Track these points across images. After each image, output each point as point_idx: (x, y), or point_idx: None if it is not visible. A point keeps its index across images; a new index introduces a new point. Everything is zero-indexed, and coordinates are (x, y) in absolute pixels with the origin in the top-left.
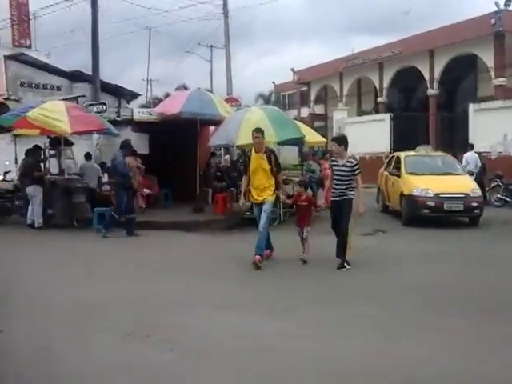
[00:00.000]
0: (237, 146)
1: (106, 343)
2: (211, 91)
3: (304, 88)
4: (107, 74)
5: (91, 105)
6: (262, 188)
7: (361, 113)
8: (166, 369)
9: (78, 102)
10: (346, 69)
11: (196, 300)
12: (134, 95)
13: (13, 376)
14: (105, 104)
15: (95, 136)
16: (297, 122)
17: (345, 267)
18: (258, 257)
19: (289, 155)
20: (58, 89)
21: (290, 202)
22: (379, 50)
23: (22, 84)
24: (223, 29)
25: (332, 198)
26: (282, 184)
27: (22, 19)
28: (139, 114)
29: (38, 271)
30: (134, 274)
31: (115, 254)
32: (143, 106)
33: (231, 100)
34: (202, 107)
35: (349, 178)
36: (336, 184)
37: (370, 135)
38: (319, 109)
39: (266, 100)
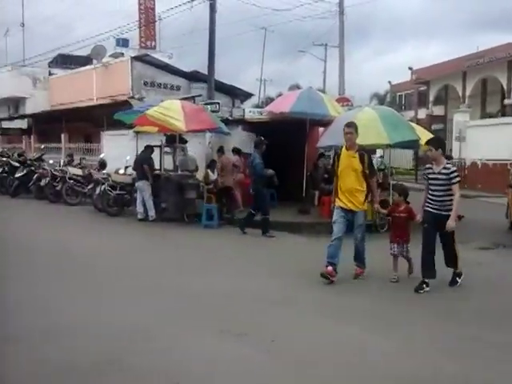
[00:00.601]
0: None
1: (200, 339)
2: (324, 91)
3: (422, 88)
4: (223, 74)
5: (205, 104)
6: (352, 192)
7: (485, 115)
8: (262, 369)
9: (194, 102)
10: (470, 68)
11: (293, 303)
12: (248, 95)
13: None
14: (218, 103)
15: (208, 134)
16: (412, 124)
17: (457, 282)
18: (330, 268)
19: (401, 159)
20: (178, 88)
21: (384, 211)
22: (508, 48)
23: (145, 83)
24: (338, 27)
25: (427, 208)
26: (375, 190)
27: (148, 22)
28: (250, 113)
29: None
30: (235, 269)
31: (222, 249)
32: (256, 106)
33: (343, 100)
34: (312, 107)
35: (446, 187)
36: (432, 195)
37: (494, 140)
38: (438, 110)
39: (381, 100)
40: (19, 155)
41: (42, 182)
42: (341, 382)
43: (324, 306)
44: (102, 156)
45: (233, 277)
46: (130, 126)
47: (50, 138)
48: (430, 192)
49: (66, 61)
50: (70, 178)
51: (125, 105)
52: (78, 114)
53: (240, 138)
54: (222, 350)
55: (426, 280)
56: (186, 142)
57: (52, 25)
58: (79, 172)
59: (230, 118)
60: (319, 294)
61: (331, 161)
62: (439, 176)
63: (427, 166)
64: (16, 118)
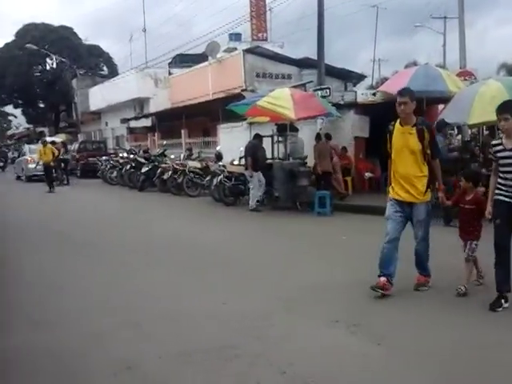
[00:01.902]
0: (469, 125)
1: (311, 328)
2: (443, 66)
3: None
4: (335, 58)
5: (315, 90)
6: (409, 179)
7: None
8: (372, 363)
9: (305, 89)
10: None
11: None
12: (361, 77)
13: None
14: (329, 88)
15: (319, 120)
16: None
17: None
18: (382, 279)
19: None
20: (289, 77)
21: (449, 203)
22: None
23: (257, 75)
24: None
25: (498, 197)
26: (439, 174)
27: (259, 14)
28: (362, 96)
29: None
30: (353, 258)
31: (336, 237)
32: (371, 88)
33: (464, 74)
34: (428, 84)
35: None
36: (504, 178)
37: None
38: None
39: (510, 71)
40: (144, 152)
41: (165, 176)
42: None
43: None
44: (218, 148)
45: (351, 267)
46: (244, 118)
47: (172, 134)
48: (500, 176)
49: (183, 60)
50: (189, 171)
51: (238, 97)
52: (195, 110)
53: (353, 122)
54: (335, 340)
55: (505, 294)
56: (297, 130)
57: (171, 26)
58: (198, 165)
59: (341, 102)
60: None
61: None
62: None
63: (494, 141)
64: (141, 117)
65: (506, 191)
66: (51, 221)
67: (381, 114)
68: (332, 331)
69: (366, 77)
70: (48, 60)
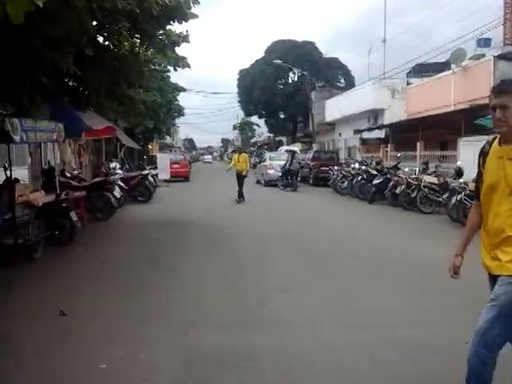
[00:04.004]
0: None
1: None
2: None
3: None
4: None
5: None
6: (500, 237)
7: None
8: None
9: None
10: None
11: None
12: None
13: None
14: None
15: None
16: None
17: None
18: None
19: None
20: None
21: None
22: None
23: None
24: None
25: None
26: None
27: None
28: None
29: None
30: None
31: None
32: None
33: None
34: None
35: None
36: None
37: None
38: None
39: None
40: (377, 163)
41: (397, 190)
42: None
43: None
44: (458, 164)
45: None
46: (491, 131)
47: (406, 147)
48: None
49: (423, 69)
50: (424, 186)
51: (485, 108)
52: (433, 122)
53: None
54: None
55: None
56: None
57: (411, 35)
58: (434, 180)
59: None
60: None
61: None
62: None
63: (481, 147)
64: (375, 128)
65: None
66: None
67: None
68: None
69: None
70: (291, 74)
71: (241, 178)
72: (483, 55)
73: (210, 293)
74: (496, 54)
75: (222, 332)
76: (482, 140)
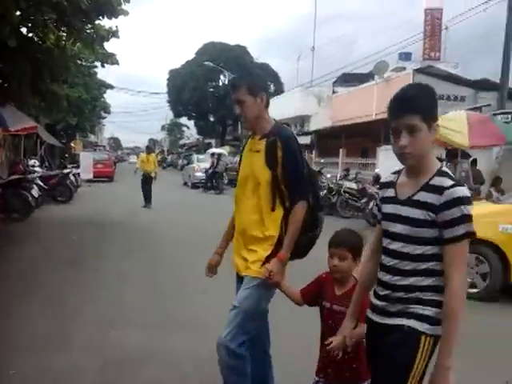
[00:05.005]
0: None
1: None
2: None
3: None
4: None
5: (495, 114)
6: (244, 235)
7: None
8: None
9: (481, 112)
10: None
11: None
12: None
13: None
14: (510, 113)
15: (495, 148)
16: None
17: None
18: None
19: None
20: (462, 99)
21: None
22: None
23: None
24: None
25: (368, 314)
26: (292, 234)
27: (433, 32)
28: None
29: None
30: None
31: None
32: None
33: None
34: None
35: (419, 246)
36: (384, 266)
37: None
38: None
39: None
40: None
41: (320, 195)
42: None
43: None
44: (377, 170)
45: None
46: None
47: (330, 153)
48: (382, 257)
49: (348, 79)
50: (344, 192)
51: None
52: (356, 130)
53: None
54: None
55: None
56: (469, 156)
57: (338, 45)
58: (354, 186)
59: None
60: None
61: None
62: (407, 209)
63: (385, 179)
64: (301, 134)
65: (380, 297)
66: None
67: None
68: None
69: None
70: (222, 76)
71: (149, 181)
72: (404, 68)
73: (131, 294)
74: (415, 68)
75: (142, 332)
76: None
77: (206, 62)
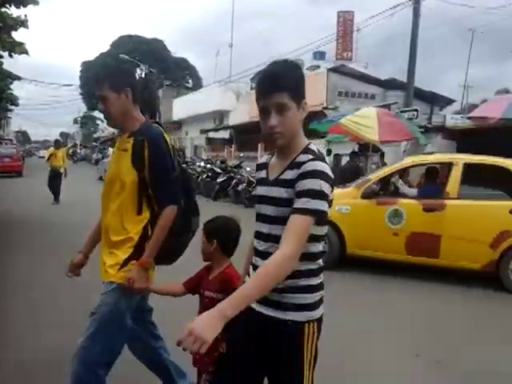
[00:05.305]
0: None
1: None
2: None
3: None
4: (421, 80)
5: (402, 111)
6: (106, 237)
7: None
8: None
9: (390, 109)
10: None
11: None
12: (448, 101)
13: None
14: (416, 110)
15: (404, 143)
16: None
17: None
18: None
19: None
20: (372, 97)
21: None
22: None
23: (339, 93)
24: None
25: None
26: (156, 239)
27: (346, 34)
28: (452, 120)
29: None
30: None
31: None
32: (457, 113)
33: None
34: None
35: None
36: (257, 251)
37: None
38: None
39: None
40: (221, 162)
41: (240, 187)
42: None
43: None
44: None
45: None
46: (323, 136)
47: (248, 148)
48: (255, 237)
49: None
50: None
51: (319, 115)
52: None
53: (439, 147)
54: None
55: None
56: (379, 150)
57: (257, 42)
58: None
59: (428, 125)
60: None
61: None
62: (273, 189)
63: (259, 160)
64: (220, 129)
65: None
66: None
67: (472, 141)
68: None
69: (454, 101)
70: (138, 70)
71: (58, 176)
72: (318, 67)
73: (48, 293)
74: (329, 67)
75: (58, 333)
76: (316, 143)
77: (122, 55)
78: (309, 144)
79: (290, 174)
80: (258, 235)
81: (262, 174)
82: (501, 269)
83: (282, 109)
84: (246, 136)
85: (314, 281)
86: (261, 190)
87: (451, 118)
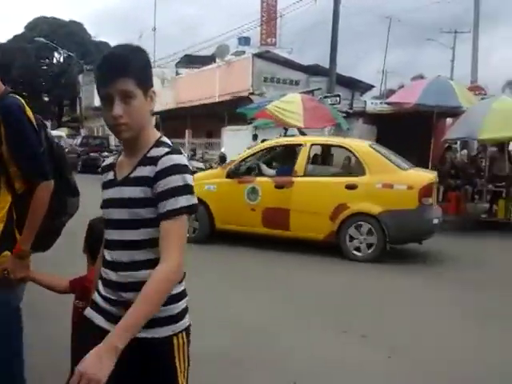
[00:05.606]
0: (479, 140)
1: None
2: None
3: None
4: (342, 66)
5: (325, 97)
6: None
7: None
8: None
9: (313, 95)
10: None
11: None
12: (368, 87)
13: None
14: (338, 96)
15: (327, 128)
16: None
17: None
18: None
19: None
20: (297, 83)
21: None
22: None
23: (265, 79)
24: (473, 11)
25: (99, 322)
26: (34, 221)
27: (269, 19)
28: (372, 105)
29: None
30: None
31: None
32: (376, 99)
33: (475, 89)
34: (441, 98)
35: (138, 226)
36: (108, 262)
37: None
38: None
39: None
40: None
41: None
42: None
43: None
44: (222, 150)
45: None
46: (249, 122)
47: (176, 134)
48: (105, 247)
49: (191, 61)
50: (193, 172)
51: (245, 101)
52: (201, 111)
53: (360, 132)
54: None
55: None
56: (305, 135)
57: (180, 26)
58: (201, 165)
59: (349, 110)
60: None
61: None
62: (127, 190)
63: (105, 161)
64: None
65: (102, 294)
66: None
67: (390, 125)
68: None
69: (373, 87)
70: (56, 54)
71: None
72: (243, 52)
73: None
74: (254, 53)
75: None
76: (243, 129)
77: (38, 38)
78: (161, 137)
79: (144, 171)
80: (109, 244)
81: (110, 175)
82: (340, 239)
83: (127, 96)
84: (172, 122)
85: (177, 288)
86: (108, 193)
87: (371, 103)
